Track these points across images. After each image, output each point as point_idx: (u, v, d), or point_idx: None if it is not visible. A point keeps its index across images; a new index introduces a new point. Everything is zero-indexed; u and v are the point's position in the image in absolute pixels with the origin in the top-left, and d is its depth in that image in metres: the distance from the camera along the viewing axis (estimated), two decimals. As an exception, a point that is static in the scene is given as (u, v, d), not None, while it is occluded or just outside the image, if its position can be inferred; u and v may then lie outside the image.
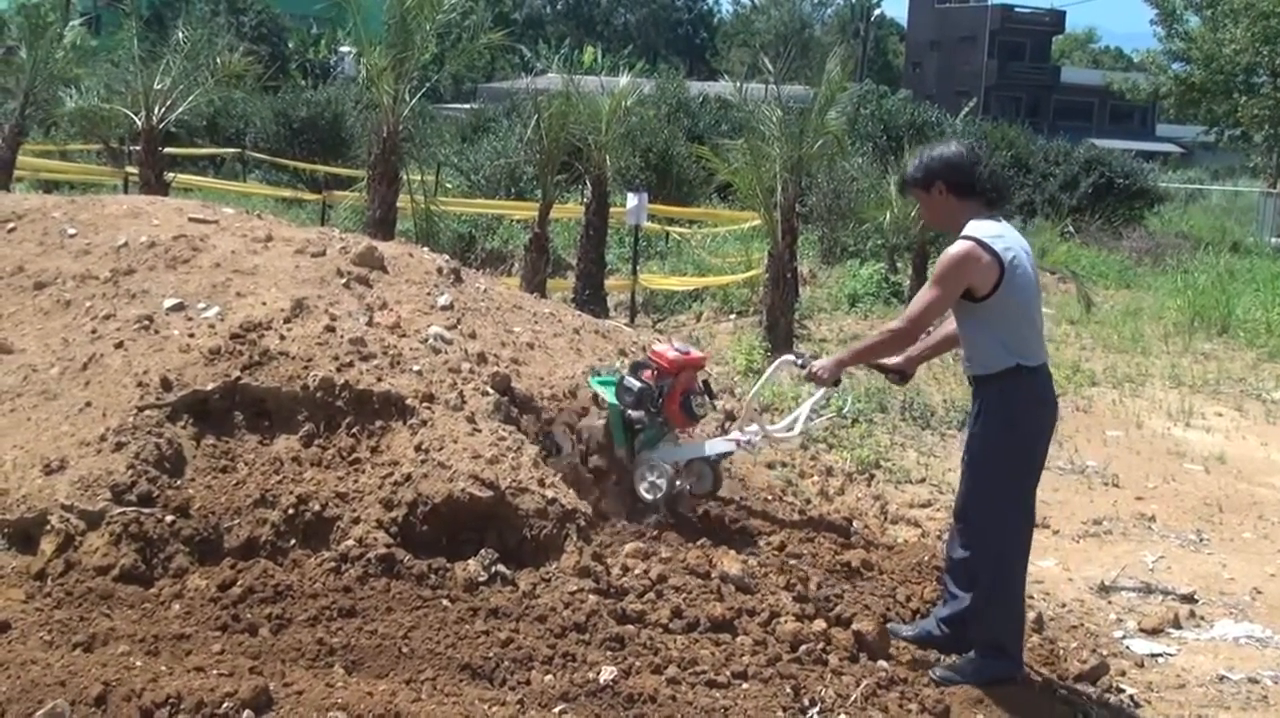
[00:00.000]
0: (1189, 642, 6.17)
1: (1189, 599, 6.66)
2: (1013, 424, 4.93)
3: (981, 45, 71.45)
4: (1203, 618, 6.48)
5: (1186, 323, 15.72)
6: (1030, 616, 5.88)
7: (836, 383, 5.50)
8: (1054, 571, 7.03)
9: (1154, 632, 6.22)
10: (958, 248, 4.89)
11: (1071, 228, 24.36)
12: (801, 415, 6.11)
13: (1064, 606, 6.49)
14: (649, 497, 5.92)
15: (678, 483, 6.02)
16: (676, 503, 6.05)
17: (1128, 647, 6.03)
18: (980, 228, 4.91)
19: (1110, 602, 6.63)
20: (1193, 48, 33.27)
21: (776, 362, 6.13)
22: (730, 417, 8.00)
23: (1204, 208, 36.70)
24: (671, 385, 5.98)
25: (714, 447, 6.06)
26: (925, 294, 5.01)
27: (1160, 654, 5.97)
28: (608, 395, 6.13)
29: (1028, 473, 5.06)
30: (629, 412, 5.99)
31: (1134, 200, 28.43)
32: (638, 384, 5.98)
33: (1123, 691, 5.40)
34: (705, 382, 6.22)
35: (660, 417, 6.01)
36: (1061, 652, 5.65)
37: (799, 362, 5.65)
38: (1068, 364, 12.90)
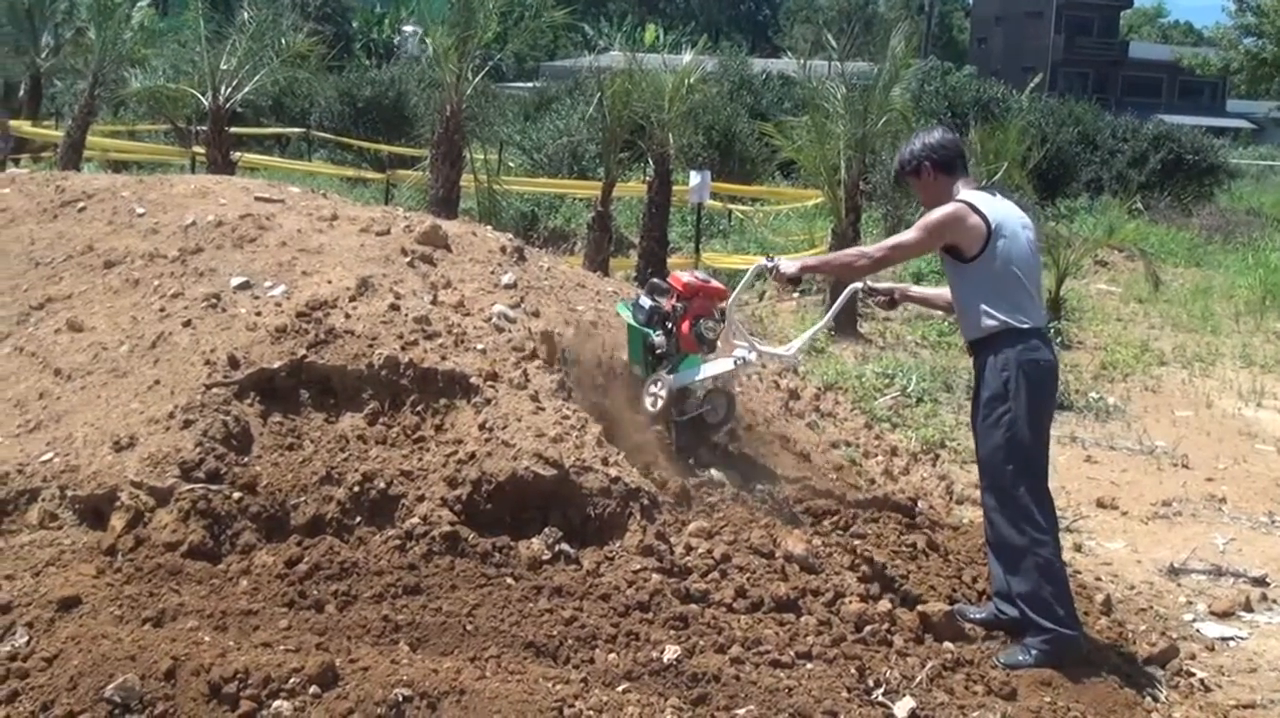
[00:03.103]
0: (1261, 625, 6.08)
1: (1261, 582, 6.57)
2: (1009, 386, 4.99)
3: (1048, 20, 70.54)
4: (1275, 601, 6.39)
5: (1258, 301, 15.49)
6: (1099, 597, 5.84)
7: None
8: (1123, 553, 6.95)
9: (1225, 615, 6.14)
10: (947, 206, 5.14)
11: (1140, 205, 24.06)
12: (802, 340, 6.23)
13: (1133, 588, 6.42)
14: (651, 408, 6.00)
15: (702, 408, 6.11)
16: (687, 430, 6.12)
17: (1198, 630, 5.95)
18: (972, 195, 5.17)
19: (1180, 584, 6.55)
20: (1264, 22, 32.69)
21: (753, 267, 6.17)
22: (794, 394, 7.97)
23: (1276, 184, 36.12)
24: (685, 309, 6.06)
25: (713, 368, 6.04)
26: (904, 234, 5.32)
27: (1231, 638, 5.89)
28: (628, 318, 6.28)
29: (1033, 435, 5.06)
30: (648, 332, 6.12)
31: (1204, 177, 28.06)
32: (649, 303, 6.17)
33: (1193, 674, 5.33)
34: (723, 311, 6.21)
35: (673, 339, 6.10)
36: (1130, 635, 5.58)
37: (769, 264, 5.69)
38: (1135, 343, 12.76)
